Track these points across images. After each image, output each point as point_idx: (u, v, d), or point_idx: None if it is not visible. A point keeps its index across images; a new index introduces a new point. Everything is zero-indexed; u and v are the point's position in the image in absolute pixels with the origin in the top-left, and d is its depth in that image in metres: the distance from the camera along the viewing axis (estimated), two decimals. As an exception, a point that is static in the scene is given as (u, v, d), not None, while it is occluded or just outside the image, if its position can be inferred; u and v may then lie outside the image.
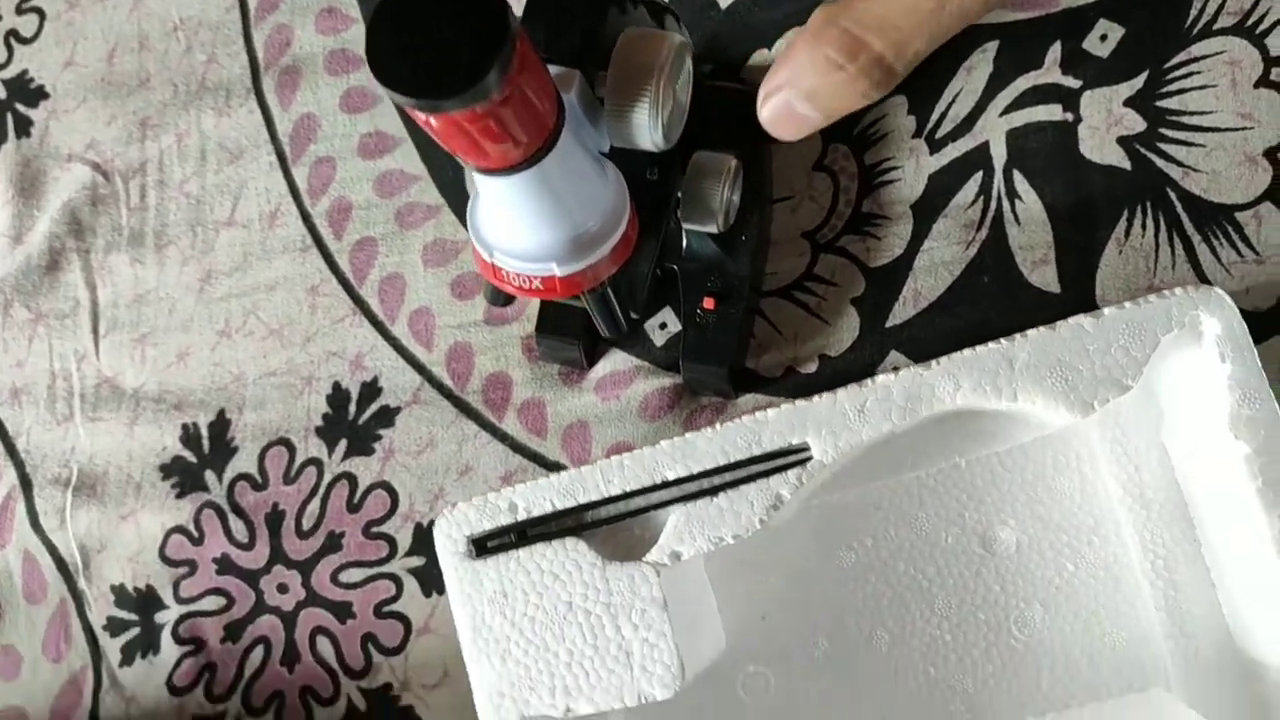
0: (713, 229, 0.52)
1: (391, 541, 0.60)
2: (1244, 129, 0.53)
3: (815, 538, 0.55)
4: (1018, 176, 0.55)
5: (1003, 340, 0.46)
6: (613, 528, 0.49)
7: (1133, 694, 0.51)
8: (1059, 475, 0.53)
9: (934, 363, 0.46)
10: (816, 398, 0.47)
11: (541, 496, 0.49)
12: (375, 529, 0.60)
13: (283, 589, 0.61)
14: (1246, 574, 0.46)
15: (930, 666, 0.53)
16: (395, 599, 0.60)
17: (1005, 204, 0.55)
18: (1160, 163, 0.54)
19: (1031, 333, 0.46)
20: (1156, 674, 0.51)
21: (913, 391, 0.46)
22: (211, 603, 0.62)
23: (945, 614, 0.53)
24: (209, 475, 0.62)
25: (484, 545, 0.49)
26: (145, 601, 0.62)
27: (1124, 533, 0.52)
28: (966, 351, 0.46)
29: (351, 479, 0.61)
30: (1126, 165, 0.54)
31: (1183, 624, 0.51)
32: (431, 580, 0.59)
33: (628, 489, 0.48)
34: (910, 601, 0.54)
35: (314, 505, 0.61)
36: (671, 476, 0.48)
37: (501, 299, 0.53)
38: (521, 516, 0.49)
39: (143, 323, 0.65)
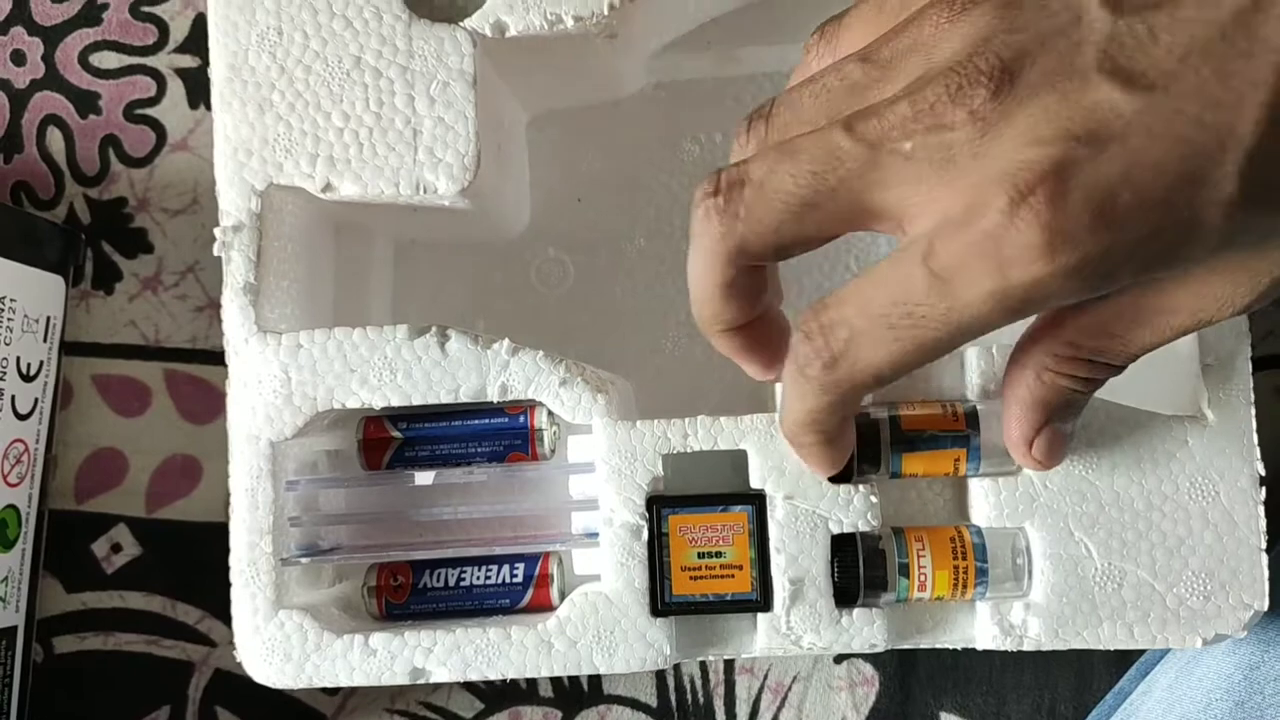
0: None
1: (164, 29, 0.50)
2: None
3: (659, 120, 0.47)
4: None
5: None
6: (432, -15, 0.40)
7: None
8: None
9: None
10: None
11: (353, -77, 0.39)
12: (147, 9, 0.50)
13: (18, 59, 0.50)
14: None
15: (755, 285, 0.46)
16: (154, 101, 0.50)
17: None
18: None
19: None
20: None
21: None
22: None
23: (785, 231, 0.46)
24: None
25: (268, -32, 0.39)
26: None
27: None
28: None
29: (131, -58, 0.50)
30: None
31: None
32: (201, 88, 0.49)
33: (461, -65, 0.39)
34: (750, 211, 0.46)
35: (76, -34, 0.50)
36: (519, -67, 0.39)
37: None
38: (324, -56, 0.39)
39: None
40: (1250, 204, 0.25)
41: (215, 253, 0.39)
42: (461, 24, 0.39)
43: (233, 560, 0.38)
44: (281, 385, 0.38)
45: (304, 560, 0.39)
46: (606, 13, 0.38)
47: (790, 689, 0.48)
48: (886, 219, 0.27)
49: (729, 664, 0.49)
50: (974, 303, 0.25)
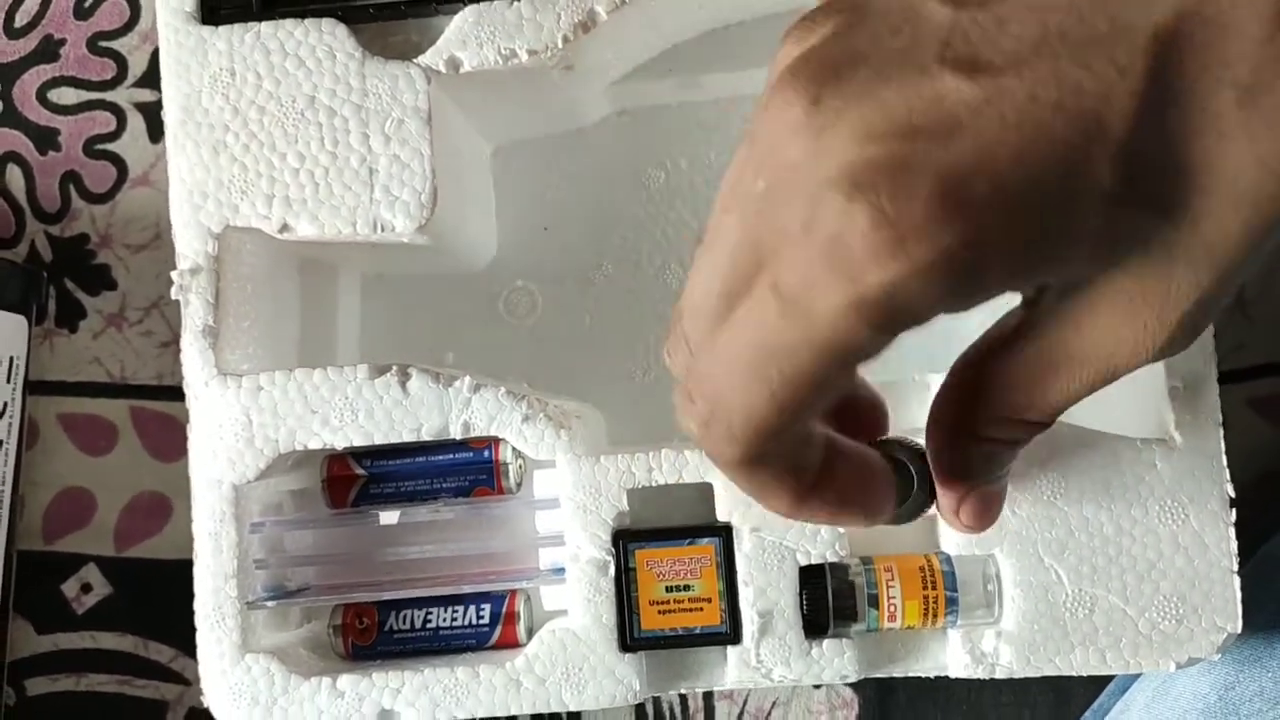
0: None
1: (122, 63, 0.49)
2: None
3: (624, 147, 0.47)
4: None
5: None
6: (384, 24, 0.40)
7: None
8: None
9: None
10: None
11: (304, -41, 0.39)
12: (105, 44, 0.49)
13: (-26, 98, 0.50)
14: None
15: (722, 311, 0.46)
16: (113, 136, 0.49)
17: None
18: None
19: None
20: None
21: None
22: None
23: (752, 256, 0.46)
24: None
25: (217, 9, 0.39)
26: None
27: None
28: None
29: (85, -24, 0.49)
30: None
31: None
32: (162, 122, 0.49)
33: (412, -26, 0.39)
34: (716, 236, 0.46)
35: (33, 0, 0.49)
36: (470, -33, 0.39)
37: None
38: (274, -19, 0.39)
39: None
40: (1128, 201, 0.22)
41: (173, 296, 0.38)
42: (415, 61, 0.38)
43: (198, 605, 0.38)
44: (243, 428, 0.38)
45: (270, 604, 0.38)
46: (560, 45, 0.38)
47: (770, 715, 0.48)
48: None
49: (708, 691, 0.48)
50: (832, 319, 0.22)
